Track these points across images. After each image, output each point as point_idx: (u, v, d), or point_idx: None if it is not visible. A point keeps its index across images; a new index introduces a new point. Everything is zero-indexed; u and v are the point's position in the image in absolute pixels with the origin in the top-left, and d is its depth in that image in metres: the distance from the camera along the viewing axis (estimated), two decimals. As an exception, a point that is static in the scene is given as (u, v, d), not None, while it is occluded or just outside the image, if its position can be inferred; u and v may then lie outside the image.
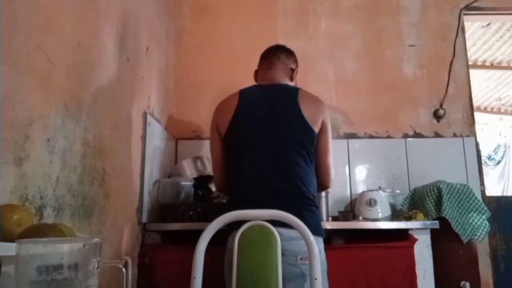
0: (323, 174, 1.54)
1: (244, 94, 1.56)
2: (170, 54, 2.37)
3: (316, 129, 1.48)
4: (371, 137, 2.43)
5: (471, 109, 2.48)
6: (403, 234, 1.77)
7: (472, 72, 2.70)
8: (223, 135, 1.53)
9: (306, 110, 1.47)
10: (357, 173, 2.39)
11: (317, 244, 1.31)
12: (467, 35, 2.66)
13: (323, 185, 1.57)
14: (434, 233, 1.77)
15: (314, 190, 1.47)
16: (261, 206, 1.24)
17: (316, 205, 1.44)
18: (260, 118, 1.48)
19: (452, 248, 1.90)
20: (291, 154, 1.43)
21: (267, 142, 1.45)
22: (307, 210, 1.39)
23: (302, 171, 1.43)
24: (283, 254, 1.25)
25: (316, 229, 1.37)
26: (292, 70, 1.66)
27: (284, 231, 1.25)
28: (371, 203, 2.06)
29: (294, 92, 1.53)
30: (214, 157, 1.60)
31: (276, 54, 1.66)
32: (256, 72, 1.73)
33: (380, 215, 2.05)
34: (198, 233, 1.23)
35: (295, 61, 1.69)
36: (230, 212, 1.24)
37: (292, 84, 1.65)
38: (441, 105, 2.46)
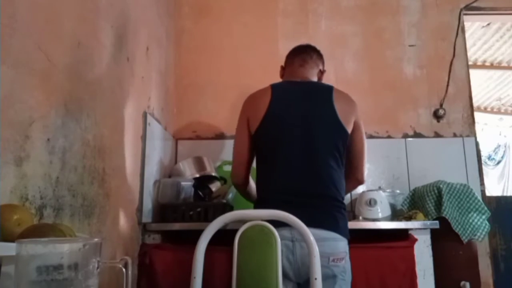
0: (359, 171, 1.57)
1: (276, 89, 1.51)
2: (170, 54, 2.37)
3: (349, 129, 1.47)
4: (371, 137, 2.43)
5: (471, 109, 2.48)
6: (403, 234, 1.77)
7: (472, 72, 2.70)
8: (254, 131, 1.49)
9: (340, 110, 1.46)
10: (357, 173, 2.39)
11: (344, 247, 1.33)
12: (467, 35, 2.66)
13: (360, 181, 1.60)
14: (434, 233, 1.76)
15: (343, 192, 1.47)
16: (293, 207, 1.23)
17: (345, 207, 1.44)
18: (294, 116, 1.45)
19: (452, 248, 1.90)
20: (326, 156, 1.42)
21: (302, 141, 1.42)
22: (338, 212, 1.39)
23: (335, 173, 1.42)
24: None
25: (345, 232, 1.38)
26: (321, 72, 1.65)
27: (315, 232, 1.21)
28: (371, 203, 2.06)
29: (328, 90, 1.51)
30: (239, 151, 1.55)
31: (308, 53, 1.64)
32: (283, 69, 1.70)
33: (380, 215, 2.05)
34: (198, 233, 1.23)
35: (324, 63, 1.68)
36: (231, 212, 1.24)
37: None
38: (441, 105, 2.46)
